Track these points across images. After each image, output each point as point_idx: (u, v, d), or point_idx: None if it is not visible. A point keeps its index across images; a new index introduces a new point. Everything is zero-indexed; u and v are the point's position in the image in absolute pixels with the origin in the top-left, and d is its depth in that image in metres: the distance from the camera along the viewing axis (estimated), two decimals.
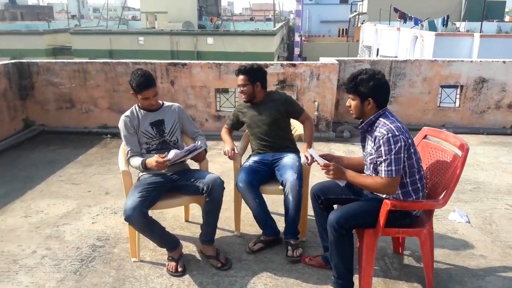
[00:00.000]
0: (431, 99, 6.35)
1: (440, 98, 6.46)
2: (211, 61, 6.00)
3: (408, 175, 2.40)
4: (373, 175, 2.47)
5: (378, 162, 2.38)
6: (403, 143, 2.29)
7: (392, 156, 2.29)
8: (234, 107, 6.45)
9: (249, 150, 3.50)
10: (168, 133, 3.05)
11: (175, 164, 2.87)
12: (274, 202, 3.60)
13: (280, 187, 3.01)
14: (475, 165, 4.91)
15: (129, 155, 2.97)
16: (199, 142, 3.01)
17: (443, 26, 26.42)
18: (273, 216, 3.14)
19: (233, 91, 6.26)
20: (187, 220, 3.53)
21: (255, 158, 3.25)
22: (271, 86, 5.84)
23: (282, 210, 3.07)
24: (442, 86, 6.42)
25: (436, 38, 13.93)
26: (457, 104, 6.44)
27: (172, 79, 5.98)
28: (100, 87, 6.05)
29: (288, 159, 3.12)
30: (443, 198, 2.45)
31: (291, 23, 48.20)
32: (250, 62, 3.66)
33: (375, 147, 2.39)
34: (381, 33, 22.00)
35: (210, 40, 23.29)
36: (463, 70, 6.19)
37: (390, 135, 2.29)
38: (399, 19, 24.65)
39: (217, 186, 2.84)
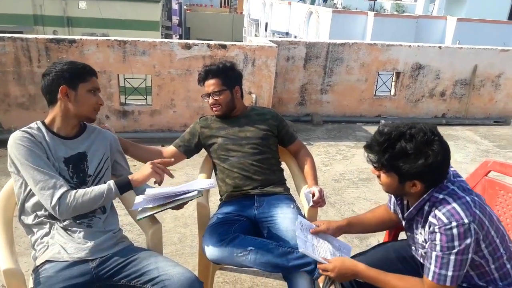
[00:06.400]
0: (367, 87, 5.73)
1: (376, 86, 5.88)
2: (112, 38, 4.45)
3: (491, 262, 1.48)
4: None
5: (427, 255, 1.45)
6: (473, 237, 1.36)
7: (452, 257, 1.37)
8: (145, 98, 5.03)
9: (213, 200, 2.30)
10: (92, 176, 1.72)
11: (104, 243, 1.66)
12: None
13: None
14: None
15: (60, 193, 1.51)
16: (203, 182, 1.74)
17: (323, 2, 26.99)
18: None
19: (143, 78, 4.80)
20: None
21: (227, 209, 2.06)
22: (195, 72, 4.57)
23: None
24: (379, 74, 5.85)
25: (333, 15, 13.69)
26: (393, 92, 5.96)
27: (55, 62, 4.30)
28: None
29: (285, 218, 1.95)
30: None
31: None
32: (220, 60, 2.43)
33: (428, 236, 1.45)
34: (271, 6, 21.41)
35: (82, 4, 20.05)
36: (401, 55, 5.66)
37: (454, 224, 1.35)
38: None
39: None
